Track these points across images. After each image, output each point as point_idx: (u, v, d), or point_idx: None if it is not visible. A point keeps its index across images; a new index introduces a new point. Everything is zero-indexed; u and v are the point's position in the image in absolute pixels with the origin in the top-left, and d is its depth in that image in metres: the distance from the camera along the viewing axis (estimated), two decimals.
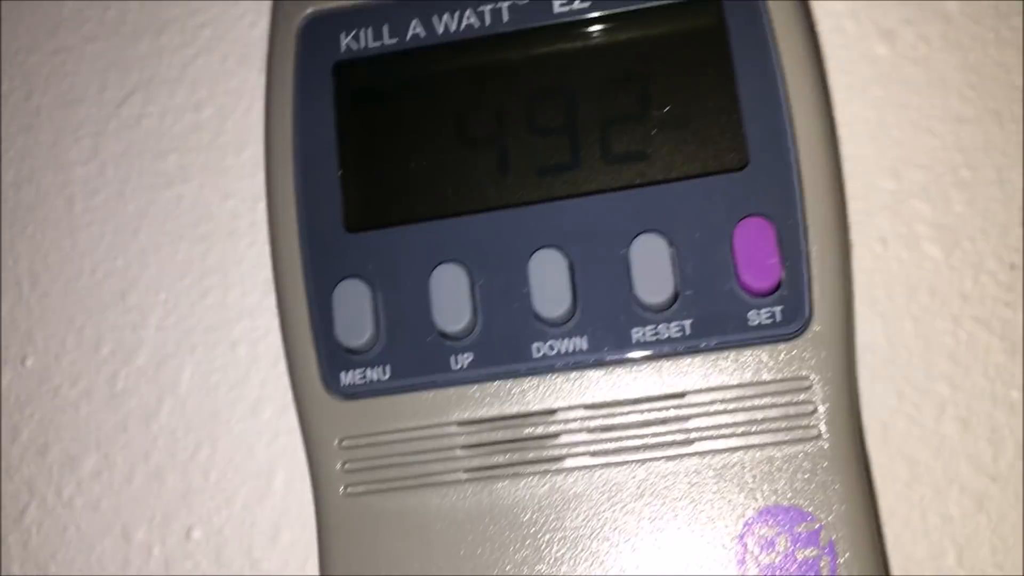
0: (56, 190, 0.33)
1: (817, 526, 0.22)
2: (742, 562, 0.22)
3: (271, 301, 0.31)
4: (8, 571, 0.31)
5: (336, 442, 0.24)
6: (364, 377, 0.24)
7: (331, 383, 0.24)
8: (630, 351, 0.24)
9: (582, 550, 0.23)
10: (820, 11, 0.31)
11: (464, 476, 0.24)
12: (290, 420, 0.30)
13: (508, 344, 0.24)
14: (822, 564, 0.22)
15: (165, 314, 0.32)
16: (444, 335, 0.24)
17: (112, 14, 0.34)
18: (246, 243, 0.32)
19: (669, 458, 0.23)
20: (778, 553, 0.22)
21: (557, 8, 0.25)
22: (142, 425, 0.31)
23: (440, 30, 0.26)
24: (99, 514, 0.31)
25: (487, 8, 0.25)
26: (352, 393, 0.24)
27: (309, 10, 0.26)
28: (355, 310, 0.24)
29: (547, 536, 0.23)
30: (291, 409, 0.30)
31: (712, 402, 0.23)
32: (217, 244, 0.32)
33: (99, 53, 0.34)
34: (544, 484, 0.23)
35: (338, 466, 0.24)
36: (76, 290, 0.32)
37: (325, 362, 0.24)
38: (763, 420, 0.23)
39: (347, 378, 0.24)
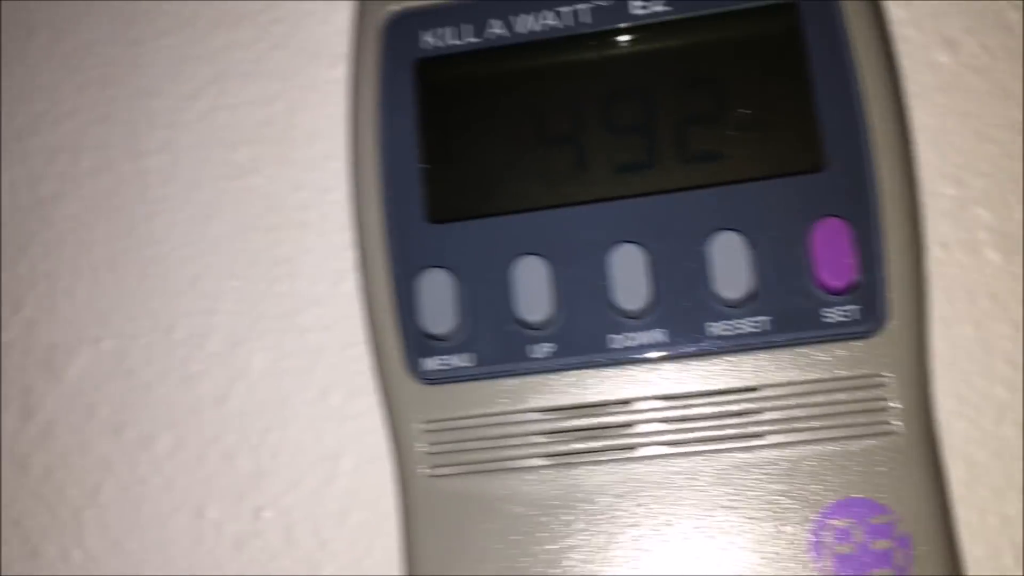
0: (132, 179, 0.34)
1: (891, 519, 0.22)
2: (816, 552, 0.23)
3: (339, 290, 0.32)
4: (84, 545, 0.32)
5: (419, 426, 0.25)
6: (446, 363, 0.25)
7: (414, 369, 0.25)
8: (706, 344, 0.24)
9: (656, 536, 0.24)
10: None
11: (543, 462, 0.24)
12: (357, 405, 0.31)
13: (587, 335, 0.25)
14: (896, 556, 0.22)
15: (237, 300, 0.33)
16: (525, 325, 0.25)
17: (188, 9, 0.35)
18: (315, 233, 0.33)
19: (743, 449, 0.24)
20: (852, 544, 0.22)
21: (635, 10, 0.26)
22: (214, 408, 0.32)
23: (520, 29, 0.26)
24: (172, 492, 0.32)
25: (566, 9, 0.26)
26: (434, 379, 0.25)
27: (392, 8, 0.27)
28: (439, 299, 0.25)
29: (622, 521, 0.24)
30: (358, 394, 0.31)
31: (786, 396, 0.24)
32: (287, 234, 0.33)
33: (174, 46, 0.35)
34: (620, 471, 0.24)
35: (421, 449, 0.25)
36: (150, 275, 0.33)
37: (408, 348, 0.25)
38: (837, 415, 0.24)
39: (430, 364, 0.25)
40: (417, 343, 0.25)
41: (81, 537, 0.32)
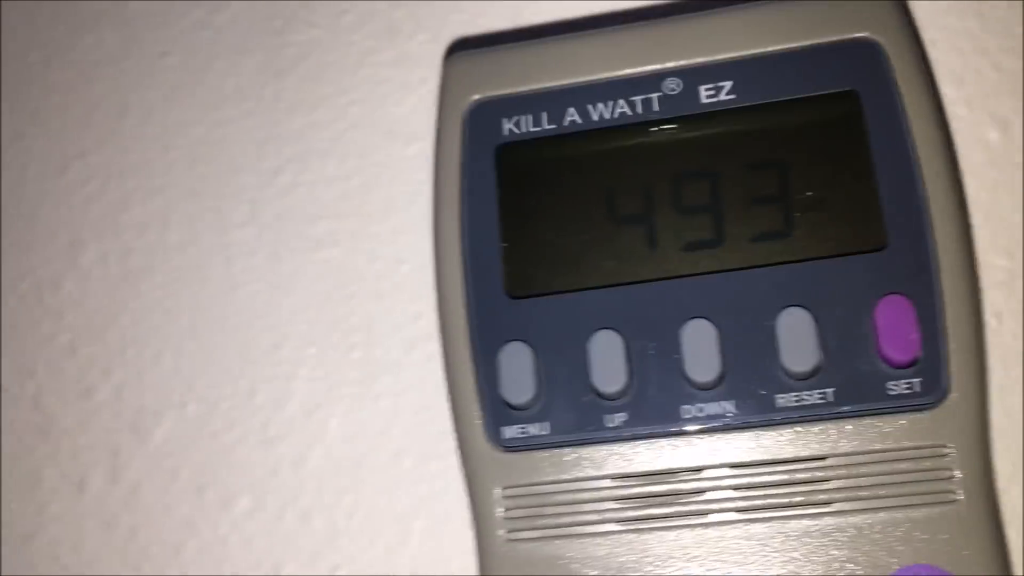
0: (217, 251, 0.36)
1: None
2: None
3: (411, 357, 0.34)
4: None
5: (498, 491, 0.26)
6: (525, 431, 0.26)
7: (494, 436, 0.27)
8: (774, 415, 0.25)
9: None
10: None
11: (616, 527, 0.26)
12: (429, 469, 0.32)
13: (660, 405, 0.26)
14: None
15: (314, 367, 0.34)
16: (600, 395, 0.26)
17: (269, 91, 0.37)
18: (389, 303, 0.34)
19: (811, 516, 0.25)
20: None
21: (704, 99, 0.28)
22: (292, 470, 0.33)
23: (595, 117, 0.28)
24: (251, 552, 0.33)
25: (639, 99, 0.28)
26: (514, 446, 0.26)
27: (475, 96, 0.29)
28: (518, 370, 0.26)
29: None
30: (430, 459, 0.32)
31: (852, 464, 0.25)
32: (363, 304, 0.35)
33: (257, 126, 0.37)
34: (690, 537, 0.25)
35: (500, 513, 0.26)
36: (233, 343, 0.35)
37: (489, 417, 0.27)
38: (901, 484, 0.25)
39: (509, 432, 0.26)
40: (497, 412, 0.27)
41: None
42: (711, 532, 0.25)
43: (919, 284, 0.25)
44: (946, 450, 0.24)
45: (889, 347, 0.25)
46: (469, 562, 0.30)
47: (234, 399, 0.34)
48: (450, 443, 0.30)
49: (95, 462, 0.34)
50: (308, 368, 0.34)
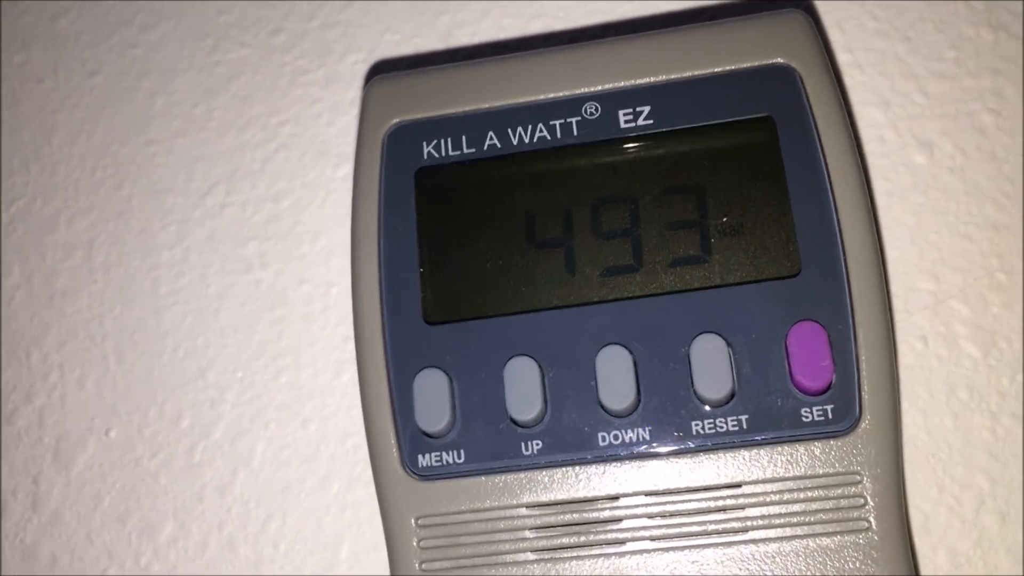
0: (144, 273, 0.35)
1: None
2: None
3: (340, 381, 0.33)
4: None
5: (413, 520, 0.26)
6: (440, 460, 0.26)
7: (409, 465, 0.26)
8: (690, 442, 0.25)
9: None
10: (861, 122, 0.33)
11: (532, 556, 0.25)
12: (356, 494, 0.32)
13: (576, 433, 0.26)
14: None
15: (241, 391, 0.34)
16: (516, 423, 0.26)
17: (200, 110, 0.37)
18: (318, 326, 0.34)
19: (726, 544, 0.25)
20: None
21: (623, 123, 0.28)
22: (217, 496, 0.33)
23: (515, 141, 0.28)
24: None
25: (558, 123, 0.28)
26: (429, 475, 0.26)
27: (395, 120, 0.29)
28: (434, 397, 0.26)
29: None
30: (358, 484, 0.32)
31: (767, 492, 0.25)
32: (291, 327, 0.34)
33: (187, 147, 0.36)
34: (607, 566, 0.25)
35: (414, 543, 0.26)
36: (159, 366, 0.34)
37: (404, 445, 0.26)
38: (815, 511, 0.24)
39: (424, 460, 0.26)
40: (413, 440, 0.26)
41: None
42: (627, 561, 0.25)
43: (832, 311, 0.25)
44: (857, 477, 0.24)
45: (802, 374, 0.25)
46: None
47: (159, 424, 0.34)
48: None
49: (15, 488, 0.34)
50: (235, 392, 0.34)
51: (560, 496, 0.25)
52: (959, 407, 0.30)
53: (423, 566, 0.26)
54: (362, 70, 0.36)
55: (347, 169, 0.35)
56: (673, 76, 0.27)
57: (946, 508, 0.29)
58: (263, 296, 0.35)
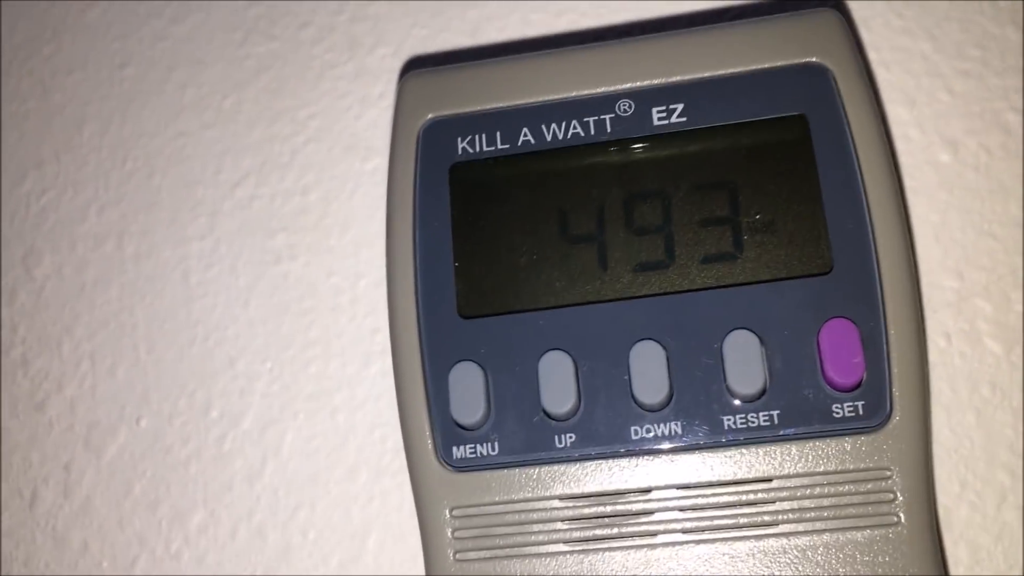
0: (174, 263, 0.36)
1: None
2: None
3: (369, 372, 0.34)
4: None
5: (447, 511, 0.26)
6: (475, 452, 0.26)
7: (444, 456, 0.27)
8: (721, 437, 0.26)
9: None
10: (887, 120, 0.33)
11: (564, 547, 0.26)
12: (384, 484, 0.32)
13: (609, 426, 0.26)
14: None
15: (270, 381, 0.34)
16: (550, 416, 0.26)
17: (229, 103, 0.37)
18: (347, 318, 0.34)
19: (756, 537, 0.25)
20: None
21: (656, 121, 0.28)
22: (246, 485, 0.33)
23: (549, 137, 0.28)
24: (204, 567, 0.33)
25: (592, 119, 0.28)
26: (463, 466, 0.26)
27: (430, 115, 0.29)
28: (469, 390, 0.26)
29: None
30: (386, 474, 0.33)
31: (797, 487, 0.25)
32: (320, 318, 0.35)
33: (216, 139, 0.37)
34: (638, 558, 0.25)
35: (449, 533, 0.26)
36: (189, 356, 0.35)
37: (439, 437, 0.27)
38: (845, 506, 0.25)
39: (459, 452, 0.27)
40: (447, 432, 0.27)
41: None
42: (658, 553, 0.25)
43: (864, 308, 0.25)
44: (888, 473, 0.25)
45: (833, 370, 0.25)
46: None
47: (189, 413, 0.34)
48: (405, 459, 0.30)
49: (47, 476, 0.34)
50: (264, 382, 0.34)
51: (593, 488, 0.26)
52: (981, 403, 0.30)
53: (457, 556, 0.26)
54: (391, 64, 0.36)
55: (376, 162, 0.35)
56: (706, 74, 0.28)
57: (968, 504, 0.30)
58: (292, 287, 0.35)
